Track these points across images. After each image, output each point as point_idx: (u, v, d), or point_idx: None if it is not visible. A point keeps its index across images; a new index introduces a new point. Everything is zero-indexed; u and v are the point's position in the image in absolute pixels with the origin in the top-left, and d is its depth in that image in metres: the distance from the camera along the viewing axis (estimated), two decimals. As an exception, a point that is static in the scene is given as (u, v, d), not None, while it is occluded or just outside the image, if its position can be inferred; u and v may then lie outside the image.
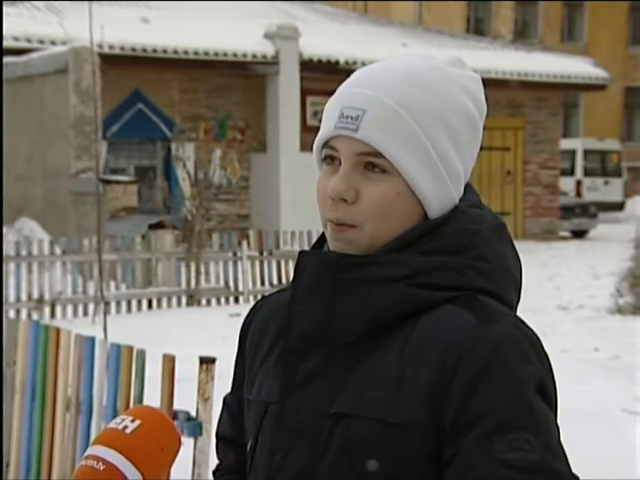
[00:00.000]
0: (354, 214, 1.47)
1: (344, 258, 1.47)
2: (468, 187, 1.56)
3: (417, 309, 1.45)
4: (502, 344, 1.40)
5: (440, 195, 1.49)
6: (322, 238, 1.57)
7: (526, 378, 1.38)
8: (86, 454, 1.37)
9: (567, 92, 26.72)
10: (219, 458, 1.70)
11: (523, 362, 1.39)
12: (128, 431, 1.37)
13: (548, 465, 1.35)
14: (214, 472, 1.69)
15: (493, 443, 1.35)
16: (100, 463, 1.34)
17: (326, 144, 1.50)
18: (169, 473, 1.44)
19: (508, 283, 1.51)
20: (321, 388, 1.47)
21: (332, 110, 1.50)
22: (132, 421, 1.38)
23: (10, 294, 11.56)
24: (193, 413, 3.99)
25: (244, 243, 13.42)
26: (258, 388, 1.56)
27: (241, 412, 1.61)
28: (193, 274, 12.85)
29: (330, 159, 1.50)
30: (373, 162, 1.46)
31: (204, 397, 3.94)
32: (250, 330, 1.65)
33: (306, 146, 17.34)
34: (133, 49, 17.02)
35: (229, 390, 1.69)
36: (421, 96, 1.48)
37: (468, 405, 1.38)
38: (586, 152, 29.10)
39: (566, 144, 27.58)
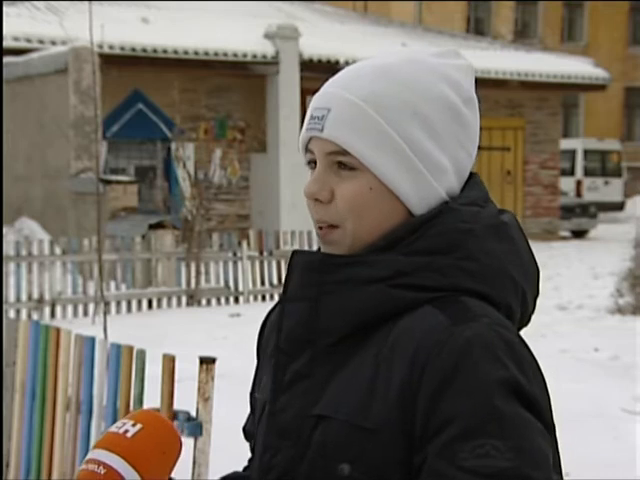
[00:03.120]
0: (332, 213, 1.46)
1: (328, 258, 1.47)
2: (473, 183, 1.51)
3: (398, 310, 1.42)
4: (471, 347, 1.35)
5: (419, 189, 1.45)
6: None
7: (494, 382, 1.33)
8: (87, 458, 1.37)
9: (567, 92, 26.72)
10: (250, 449, 1.71)
11: (492, 365, 1.34)
12: (129, 435, 1.37)
13: (520, 472, 1.30)
14: (249, 460, 1.70)
15: (457, 450, 1.32)
16: (101, 467, 1.34)
17: (307, 148, 1.51)
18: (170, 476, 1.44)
19: (502, 284, 1.45)
20: (306, 389, 1.46)
21: (307, 113, 1.51)
22: (133, 425, 1.38)
23: (10, 294, 11.56)
24: (193, 413, 3.99)
25: (244, 243, 13.41)
26: (262, 387, 1.57)
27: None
28: (193, 274, 12.84)
29: (313, 163, 1.50)
30: (342, 160, 1.45)
31: (204, 397, 3.94)
32: (265, 330, 1.65)
33: (306, 146, 17.33)
34: (133, 49, 17.01)
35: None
36: (388, 88, 1.46)
37: (434, 410, 1.34)
38: (586, 152, 29.10)
39: (566, 144, 27.59)
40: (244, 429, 1.70)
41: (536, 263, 1.51)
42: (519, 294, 1.47)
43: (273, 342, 1.57)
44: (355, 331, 1.44)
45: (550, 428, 1.39)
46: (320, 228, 1.49)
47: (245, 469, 1.70)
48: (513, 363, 1.36)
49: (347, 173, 1.46)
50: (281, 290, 1.55)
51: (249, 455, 1.71)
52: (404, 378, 1.37)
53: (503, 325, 1.40)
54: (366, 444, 1.38)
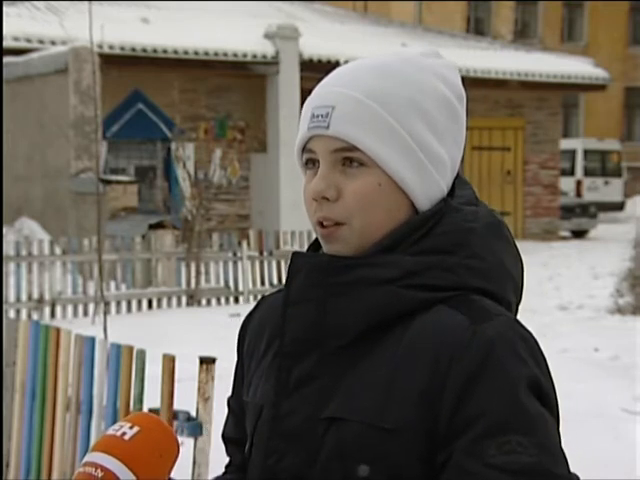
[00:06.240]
0: (339, 211, 1.45)
1: (336, 260, 1.46)
2: (462, 182, 1.53)
3: (410, 311, 1.43)
4: (494, 345, 1.37)
5: (424, 183, 1.47)
6: (318, 240, 1.56)
7: (519, 379, 1.36)
8: (84, 461, 1.36)
9: (567, 92, 26.72)
10: (228, 456, 1.69)
11: (516, 363, 1.37)
12: (126, 438, 1.36)
13: (543, 467, 1.33)
14: (226, 466, 1.69)
15: (485, 447, 1.34)
16: (98, 470, 1.34)
17: (305, 148, 1.50)
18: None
19: (505, 282, 1.48)
20: (315, 392, 1.45)
21: (305, 113, 1.51)
22: (130, 428, 1.38)
23: (10, 294, 11.56)
24: (193, 413, 3.99)
25: (244, 243, 13.41)
26: (254, 390, 1.55)
27: (243, 413, 1.60)
28: (193, 274, 12.84)
29: (311, 163, 1.49)
30: (350, 157, 1.45)
31: (204, 397, 3.94)
32: (248, 331, 1.64)
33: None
34: (133, 49, 17.01)
35: (230, 391, 1.69)
36: (391, 85, 1.47)
37: (461, 408, 1.36)
38: (586, 152, 29.10)
39: (566, 144, 27.58)
40: (224, 435, 1.68)
41: (521, 258, 1.54)
42: (515, 289, 1.51)
43: (265, 344, 1.56)
44: (366, 332, 1.43)
45: (558, 423, 1.42)
46: (322, 226, 1.47)
47: (225, 474, 1.68)
48: (532, 359, 1.39)
49: (354, 170, 1.45)
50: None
51: (227, 461, 1.68)
52: (426, 377, 1.38)
53: (518, 322, 1.43)
54: (385, 444, 1.39)
